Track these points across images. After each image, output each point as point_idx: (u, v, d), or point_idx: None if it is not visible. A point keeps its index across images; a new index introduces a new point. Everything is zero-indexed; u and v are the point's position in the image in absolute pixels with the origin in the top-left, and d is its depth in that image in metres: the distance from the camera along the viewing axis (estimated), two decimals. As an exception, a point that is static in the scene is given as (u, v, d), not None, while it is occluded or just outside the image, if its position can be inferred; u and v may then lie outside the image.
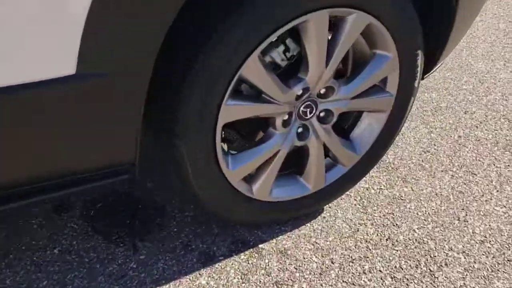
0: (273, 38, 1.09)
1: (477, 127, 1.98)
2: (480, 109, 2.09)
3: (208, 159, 1.17)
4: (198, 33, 1.03)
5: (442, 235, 1.47)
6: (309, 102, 1.26)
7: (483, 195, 1.64)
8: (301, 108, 1.26)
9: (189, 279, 1.27)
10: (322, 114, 1.32)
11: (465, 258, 1.40)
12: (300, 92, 1.22)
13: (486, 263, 1.39)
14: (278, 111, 1.21)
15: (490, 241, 1.46)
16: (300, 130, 1.31)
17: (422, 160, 1.77)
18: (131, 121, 1.00)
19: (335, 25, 1.18)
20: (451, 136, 1.91)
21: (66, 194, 1.06)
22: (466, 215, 1.55)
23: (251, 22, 1.02)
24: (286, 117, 1.25)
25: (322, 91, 1.27)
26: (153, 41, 0.90)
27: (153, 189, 1.54)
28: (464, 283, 1.33)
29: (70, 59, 0.86)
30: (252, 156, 1.26)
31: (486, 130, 1.96)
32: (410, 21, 1.24)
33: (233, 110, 1.14)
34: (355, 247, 1.41)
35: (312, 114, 1.29)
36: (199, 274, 1.29)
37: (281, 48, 1.20)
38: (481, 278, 1.35)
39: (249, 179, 1.32)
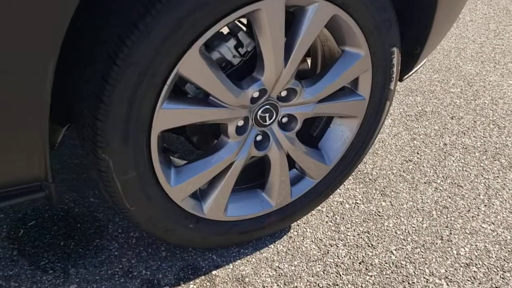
0: (217, 28, 0.90)
1: (464, 133, 1.81)
2: (468, 114, 1.92)
3: (142, 174, 0.99)
4: (119, 23, 0.85)
5: (422, 258, 1.30)
6: (267, 106, 1.08)
7: (469, 211, 1.46)
8: (259, 113, 1.08)
9: (126, 313, 1.09)
10: (284, 120, 1.14)
11: (448, 284, 1.23)
12: (256, 94, 1.04)
13: (472, 291, 1.22)
14: (229, 116, 1.03)
15: (476, 264, 1.29)
16: (259, 138, 1.13)
17: (404, 171, 1.60)
18: (37, 128, 0.81)
19: (294, 17, 1.00)
20: (436, 144, 1.74)
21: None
22: (450, 233, 1.38)
23: (185, 8, 0.84)
24: (241, 123, 1.07)
25: (283, 93, 1.09)
26: (52, 33, 0.71)
27: (96, 204, 1.35)
28: (447, 316, 1.15)
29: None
30: (200, 169, 1.07)
31: (474, 137, 1.79)
32: (383, 13, 1.06)
33: (172, 115, 0.96)
34: (324, 273, 1.23)
35: (272, 120, 1.11)
36: (138, 307, 1.10)
37: (232, 42, 1.02)
38: (467, 309, 1.17)
39: (199, 195, 1.14)
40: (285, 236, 1.32)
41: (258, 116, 1.08)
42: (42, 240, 1.23)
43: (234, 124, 1.06)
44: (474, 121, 1.88)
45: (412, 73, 1.31)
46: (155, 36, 0.84)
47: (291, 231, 1.34)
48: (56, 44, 0.74)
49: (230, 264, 1.22)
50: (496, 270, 1.28)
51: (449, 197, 1.51)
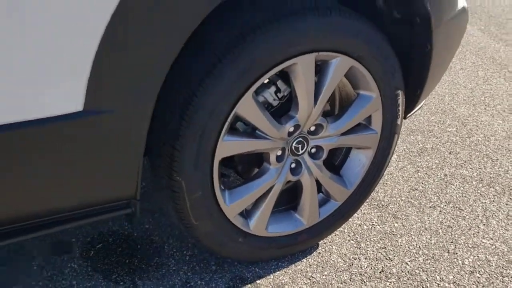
0: (265, 78, 1.18)
1: (462, 166, 2.06)
2: (464, 149, 2.19)
3: (206, 194, 1.24)
4: (194, 75, 1.13)
5: (433, 267, 1.52)
6: (300, 139, 1.34)
7: (470, 229, 1.69)
8: (293, 144, 1.34)
9: (189, 314, 1.30)
10: (313, 150, 1.40)
11: (456, 288, 1.44)
12: (292, 128, 1.30)
13: (477, 292, 1.43)
14: (272, 146, 1.30)
15: (479, 271, 1.51)
16: (293, 165, 1.39)
17: (411, 197, 1.84)
18: (134, 156, 1.07)
19: (321, 68, 1.29)
20: (437, 175, 1.99)
21: (72, 226, 1.11)
22: (455, 247, 1.60)
23: (243, 65, 1.12)
24: (279, 152, 1.33)
25: (312, 128, 1.36)
26: (155, 81, 0.99)
27: (151, 230, 1.58)
28: (457, 312, 1.36)
29: (78, 96, 0.94)
30: (248, 191, 1.32)
31: (470, 168, 2.05)
32: (389, 63, 1.35)
33: (229, 146, 1.22)
34: (350, 280, 1.45)
35: (304, 150, 1.37)
36: (198, 309, 1.31)
37: (273, 89, 1.30)
38: (474, 306, 1.39)
39: (246, 214, 1.38)
40: (314, 252, 1.54)
41: (293, 147, 1.34)
42: (110, 258, 1.45)
43: (274, 153, 1.32)
44: (470, 155, 2.14)
45: (414, 112, 1.58)
46: (221, 87, 1.12)
47: (319, 248, 1.56)
48: (156, 92, 1.01)
49: (271, 274, 1.44)
50: (496, 276, 1.49)
51: (452, 218, 1.74)
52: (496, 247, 1.61)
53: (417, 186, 1.91)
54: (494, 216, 1.77)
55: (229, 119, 1.17)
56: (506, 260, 1.56)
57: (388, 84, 1.38)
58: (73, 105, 0.94)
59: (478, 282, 1.47)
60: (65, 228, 1.12)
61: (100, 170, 1.06)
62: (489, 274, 1.50)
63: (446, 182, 1.95)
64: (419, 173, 2.00)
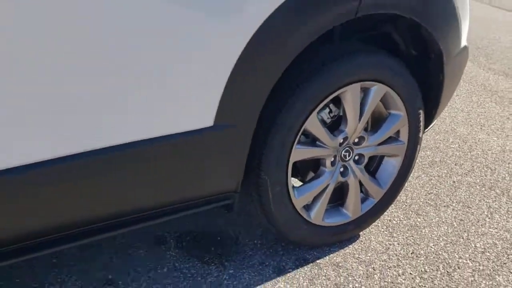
0: (325, 102, 1.61)
1: (466, 174, 2.49)
2: (466, 161, 2.62)
3: (283, 189, 1.64)
4: (278, 102, 1.55)
5: (452, 249, 1.91)
6: (347, 148, 1.76)
7: (478, 221, 2.10)
8: (343, 152, 1.75)
9: (270, 284, 1.68)
10: (356, 157, 1.81)
11: (472, 263, 1.84)
12: (342, 140, 1.72)
13: (488, 265, 1.83)
14: (328, 153, 1.71)
15: (488, 251, 1.91)
16: (342, 169, 1.80)
17: (428, 199, 2.25)
18: (242, 158, 1.48)
19: (364, 93, 1.72)
20: (447, 182, 2.41)
21: (191, 212, 1.51)
22: (468, 235, 2.01)
23: (314, 91, 1.55)
24: (332, 159, 1.75)
25: (356, 140, 1.78)
26: (262, 100, 1.41)
27: (224, 226, 1.97)
28: (474, 279, 1.75)
29: (211, 113, 1.35)
30: (310, 189, 1.73)
31: (474, 176, 2.47)
32: (413, 90, 1.79)
33: (299, 152, 1.63)
34: (389, 259, 1.84)
35: (350, 157, 1.78)
36: (276, 281, 1.69)
37: (327, 110, 1.73)
38: (486, 275, 1.78)
39: (307, 207, 1.78)
40: (357, 240, 1.93)
41: (342, 154, 1.76)
42: (198, 247, 1.83)
43: (329, 159, 1.73)
44: (472, 166, 2.57)
45: (430, 127, 2.01)
46: (297, 109, 1.54)
47: (361, 237, 1.96)
48: (260, 109, 1.43)
49: (327, 256, 1.83)
50: (502, 254, 1.89)
51: (463, 214, 2.15)
52: (500, 234, 2.02)
53: (432, 191, 2.32)
54: (496, 212, 2.18)
55: (300, 133, 1.59)
56: (510, 243, 1.96)
57: (412, 105, 1.81)
58: (207, 121, 1.35)
59: (488, 259, 1.86)
60: (184, 215, 1.51)
61: (216, 171, 1.47)
62: (496, 253, 1.90)
63: (455, 187, 2.37)
64: (432, 181, 2.41)
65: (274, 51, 1.38)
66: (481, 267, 1.82)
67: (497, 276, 1.78)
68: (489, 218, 2.13)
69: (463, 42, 1.92)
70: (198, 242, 1.87)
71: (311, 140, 1.70)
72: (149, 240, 1.85)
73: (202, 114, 1.35)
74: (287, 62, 1.42)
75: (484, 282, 1.76)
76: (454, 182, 2.41)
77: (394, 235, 1.99)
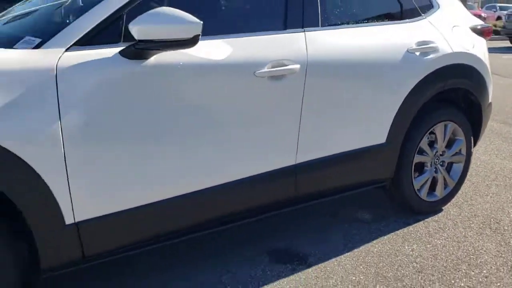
0: (429, 131, 3.17)
1: (484, 180, 4.01)
2: (490, 175, 4.15)
3: (411, 178, 3.15)
4: (411, 129, 3.09)
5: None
6: (437, 157, 3.29)
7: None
8: (435, 160, 3.28)
9: (408, 229, 3.14)
10: (441, 163, 3.34)
11: (501, 245, 3.32)
12: (435, 152, 3.26)
13: (519, 219, 3.31)
14: (429, 160, 3.24)
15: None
16: (434, 169, 3.32)
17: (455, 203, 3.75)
18: (395, 160, 3.00)
19: (444, 127, 3.28)
20: (472, 182, 3.92)
21: (366, 189, 3.00)
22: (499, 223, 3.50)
23: (427, 126, 3.11)
24: (430, 162, 3.27)
25: (441, 153, 3.32)
26: (407, 127, 2.97)
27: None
28: None
29: (385, 135, 2.89)
30: (421, 179, 3.24)
31: (489, 183, 3.99)
32: (466, 125, 3.36)
33: (417, 158, 3.16)
34: (441, 230, 3.31)
35: (438, 162, 3.31)
36: (399, 237, 3.16)
37: (427, 136, 3.27)
38: None
39: (418, 191, 3.28)
40: (439, 214, 3.41)
41: (435, 161, 3.29)
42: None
43: (429, 163, 3.26)
44: (484, 180, 4.10)
45: (474, 147, 3.57)
46: (419, 135, 3.09)
47: (442, 212, 3.43)
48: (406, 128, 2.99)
49: (422, 221, 3.30)
50: (525, 214, 3.38)
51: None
52: (521, 206, 3.52)
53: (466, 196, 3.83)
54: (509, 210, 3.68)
55: (418, 148, 3.13)
56: (527, 210, 3.46)
57: (468, 133, 3.37)
58: (383, 139, 2.89)
59: (518, 217, 3.35)
60: (348, 194, 3.00)
61: (382, 168, 2.98)
62: (522, 214, 3.39)
63: (474, 188, 3.88)
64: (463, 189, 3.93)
65: (415, 102, 2.95)
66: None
67: (524, 223, 3.26)
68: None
69: (490, 99, 3.53)
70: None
71: (421, 152, 3.23)
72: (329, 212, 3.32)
73: (382, 136, 2.89)
74: (418, 107, 2.99)
75: (518, 227, 3.24)
76: (472, 183, 3.93)
77: (451, 212, 3.47)
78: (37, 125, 1.78)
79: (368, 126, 2.81)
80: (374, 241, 2.97)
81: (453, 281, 2.57)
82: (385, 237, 3.04)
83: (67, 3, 2.28)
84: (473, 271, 2.66)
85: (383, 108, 2.82)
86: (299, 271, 2.61)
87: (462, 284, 2.54)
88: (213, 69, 2.14)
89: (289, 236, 2.99)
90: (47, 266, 1.94)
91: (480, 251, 2.89)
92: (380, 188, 3.18)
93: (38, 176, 1.80)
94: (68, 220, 1.93)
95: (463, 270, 2.67)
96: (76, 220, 1.95)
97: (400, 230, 3.13)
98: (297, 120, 2.46)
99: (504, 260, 2.78)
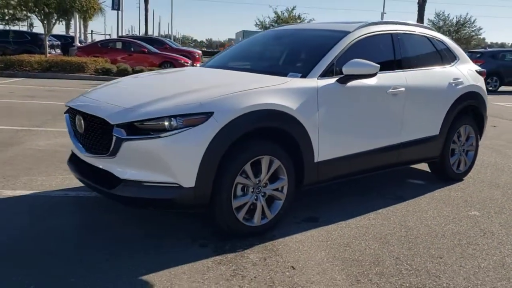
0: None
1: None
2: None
3: (449, 156, 5.36)
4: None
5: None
6: (462, 143, 5.53)
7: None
8: (460, 147, 5.52)
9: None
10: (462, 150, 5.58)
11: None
12: (460, 142, 5.50)
13: (508, 183, 5.56)
14: (457, 147, 5.47)
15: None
16: (460, 153, 5.55)
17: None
18: (441, 144, 5.20)
19: (465, 128, 5.55)
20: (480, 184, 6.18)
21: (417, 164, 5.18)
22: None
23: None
24: (457, 149, 5.50)
25: (463, 142, 5.56)
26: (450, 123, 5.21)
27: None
28: (506, 185, 5.48)
29: (438, 129, 5.08)
30: (454, 158, 5.45)
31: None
32: (475, 127, 5.64)
33: (453, 146, 5.39)
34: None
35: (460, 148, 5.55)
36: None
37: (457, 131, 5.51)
38: (509, 184, 5.51)
39: (453, 165, 5.48)
40: (458, 187, 5.61)
41: (460, 148, 5.52)
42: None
43: (456, 149, 5.49)
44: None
45: (480, 140, 5.85)
46: (453, 128, 5.33)
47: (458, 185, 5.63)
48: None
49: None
50: None
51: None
52: None
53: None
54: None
55: (455, 136, 5.37)
56: (512, 179, 5.72)
57: (476, 133, 5.65)
58: (436, 131, 5.11)
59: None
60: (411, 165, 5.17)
61: (435, 148, 5.15)
62: None
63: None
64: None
65: (453, 110, 5.21)
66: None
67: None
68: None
69: (487, 113, 5.83)
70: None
71: (455, 139, 5.45)
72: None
73: (436, 129, 5.10)
74: (455, 114, 5.26)
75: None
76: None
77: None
78: (309, 111, 3.83)
79: (430, 123, 5.02)
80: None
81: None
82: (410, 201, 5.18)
83: (292, 52, 4.53)
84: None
85: (438, 113, 5.06)
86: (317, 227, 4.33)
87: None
88: (375, 88, 4.31)
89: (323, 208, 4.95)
90: (307, 183, 3.94)
91: None
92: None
93: (308, 135, 3.83)
94: (316, 159, 3.95)
95: (487, 202, 4.85)
96: (318, 160, 3.97)
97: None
98: (401, 117, 4.63)
99: None
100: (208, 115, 3.22)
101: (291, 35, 5.23)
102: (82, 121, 3.58)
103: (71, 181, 4.70)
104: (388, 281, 3.08)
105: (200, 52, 27.39)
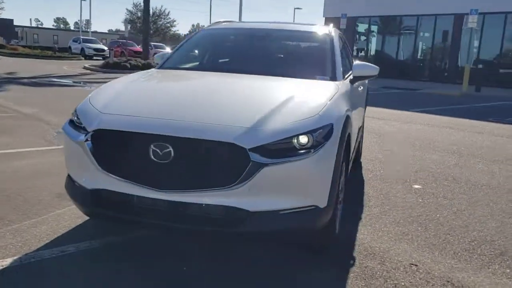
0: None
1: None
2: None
3: None
4: None
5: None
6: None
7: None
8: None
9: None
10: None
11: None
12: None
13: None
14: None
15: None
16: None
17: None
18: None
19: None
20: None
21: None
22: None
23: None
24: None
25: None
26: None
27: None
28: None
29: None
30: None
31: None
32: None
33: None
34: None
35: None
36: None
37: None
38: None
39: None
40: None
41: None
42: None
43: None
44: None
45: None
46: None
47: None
48: None
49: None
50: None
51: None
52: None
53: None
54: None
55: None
56: None
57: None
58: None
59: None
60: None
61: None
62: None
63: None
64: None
65: None
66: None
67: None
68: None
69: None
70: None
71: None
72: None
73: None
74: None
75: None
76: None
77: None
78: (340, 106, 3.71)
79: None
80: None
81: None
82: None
83: (292, 55, 5.08)
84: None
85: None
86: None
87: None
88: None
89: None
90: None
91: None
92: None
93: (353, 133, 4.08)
94: (351, 157, 4.41)
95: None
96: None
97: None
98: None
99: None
100: (329, 127, 3.06)
101: (268, 35, 5.11)
102: (171, 148, 2.77)
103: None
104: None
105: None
